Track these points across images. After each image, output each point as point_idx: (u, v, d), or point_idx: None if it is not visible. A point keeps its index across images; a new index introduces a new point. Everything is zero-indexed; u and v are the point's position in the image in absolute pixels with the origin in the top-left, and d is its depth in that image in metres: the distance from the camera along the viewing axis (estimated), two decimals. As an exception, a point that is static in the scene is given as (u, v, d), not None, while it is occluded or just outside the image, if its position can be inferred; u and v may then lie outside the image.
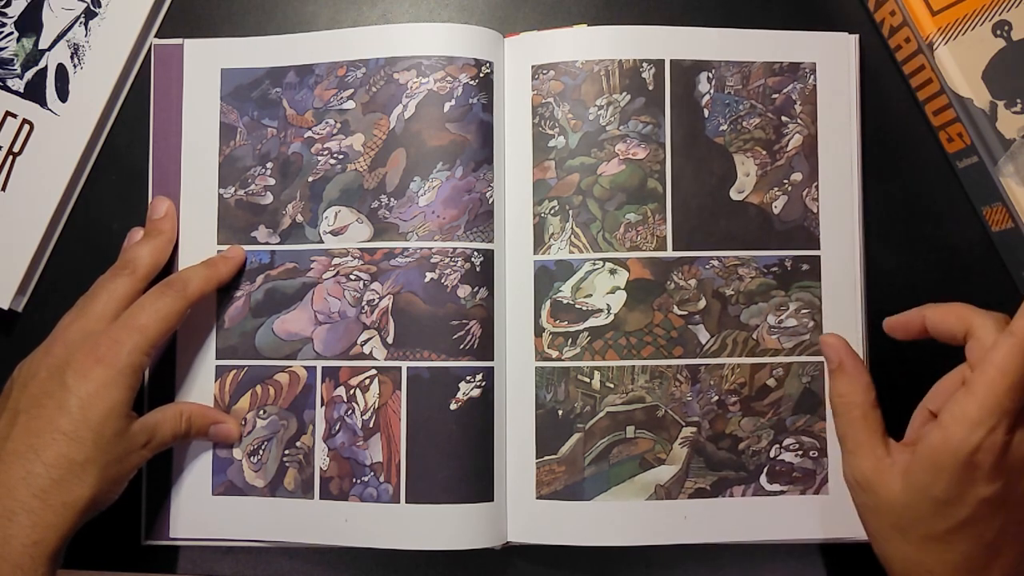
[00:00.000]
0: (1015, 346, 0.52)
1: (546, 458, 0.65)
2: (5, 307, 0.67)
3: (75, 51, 0.68)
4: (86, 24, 0.69)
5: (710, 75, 0.67)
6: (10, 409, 0.58)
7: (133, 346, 0.59)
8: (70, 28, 0.69)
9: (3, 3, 0.69)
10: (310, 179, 0.67)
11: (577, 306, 0.66)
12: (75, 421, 0.56)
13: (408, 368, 0.65)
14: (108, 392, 0.58)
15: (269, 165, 0.67)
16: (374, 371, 0.65)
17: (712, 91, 0.67)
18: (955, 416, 0.52)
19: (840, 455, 0.65)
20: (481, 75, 0.66)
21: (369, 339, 0.65)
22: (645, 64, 0.67)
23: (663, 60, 0.67)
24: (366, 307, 0.66)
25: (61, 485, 0.55)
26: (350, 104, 0.67)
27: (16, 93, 0.68)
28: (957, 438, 0.51)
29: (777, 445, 0.66)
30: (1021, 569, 0.54)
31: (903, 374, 0.68)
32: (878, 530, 0.56)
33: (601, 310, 0.66)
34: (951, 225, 0.68)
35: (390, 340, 0.65)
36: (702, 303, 0.66)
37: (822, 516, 0.66)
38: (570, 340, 0.66)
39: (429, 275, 0.65)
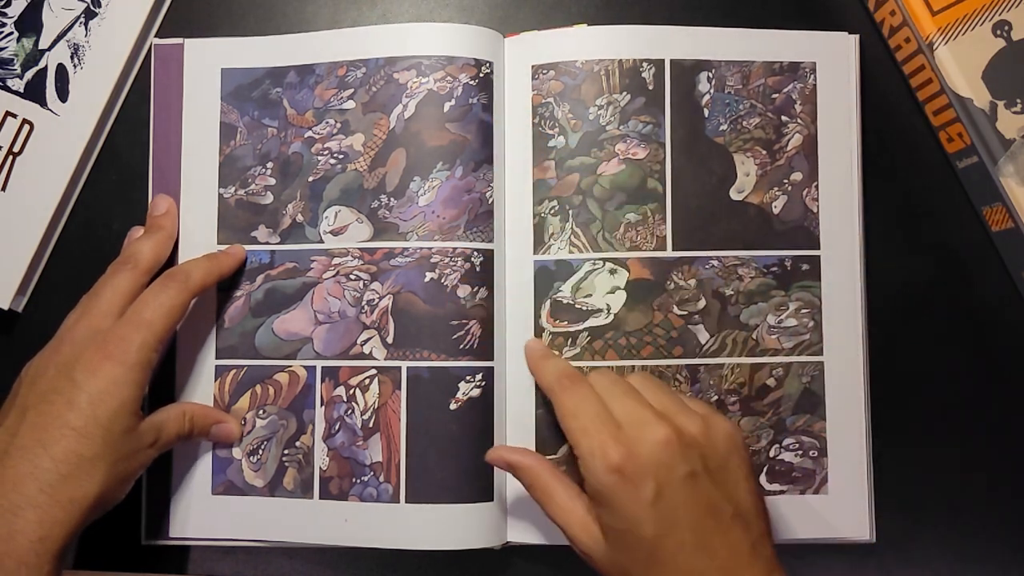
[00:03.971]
0: (561, 394, 0.60)
1: (546, 458, 0.65)
2: (5, 307, 0.67)
3: (75, 51, 0.68)
4: (86, 24, 0.69)
5: (710, 75, 0.67)
6: (18, 406, 0.58)
7: (141, 342, 0.59)
8: (70, 28, 0.69)
9: (3, 3, 0.69)
10: (310, 179, 0.67)
11: (577, 306, 0.66)
12: (84, 417, 0.56)
13: (408, 368, 0.65)
14: (118, 389, 0.57)
15: (269, 165, 0.67)
16: (374, 371, 0.65)
17: (712, 91, 0.67)
18: (581, 459, 0.57)
19: (840, 455, 0.65)
20: (481, 75, 0.66)
21: (369, 339, 0.65)
22: (645, 64, 0.67)
23: (663, 60, 0.67)
24: (366, 307, 0.66)
25: (69, 481, 0.55)
26: (350, 104, 0.67)
27: (16, 93, 0.68)
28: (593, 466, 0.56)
29: (777, 445, 0.66)
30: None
31: (903, 374, 0.68)
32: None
33: (601, 310, 0.66)
34: (951, 225, 0.68)
35: (390, 340, 0.65)
36: (702, 303, 0.66)
37: (822, 516, 0.66)
38: (570, 340, 0.66)
39: (429, 275, 0.65)
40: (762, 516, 0.57)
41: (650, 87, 0.66)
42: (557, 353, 0.65)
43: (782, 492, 0.66)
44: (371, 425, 0.65)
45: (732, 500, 0.56)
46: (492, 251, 0.66)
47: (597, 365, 0.65)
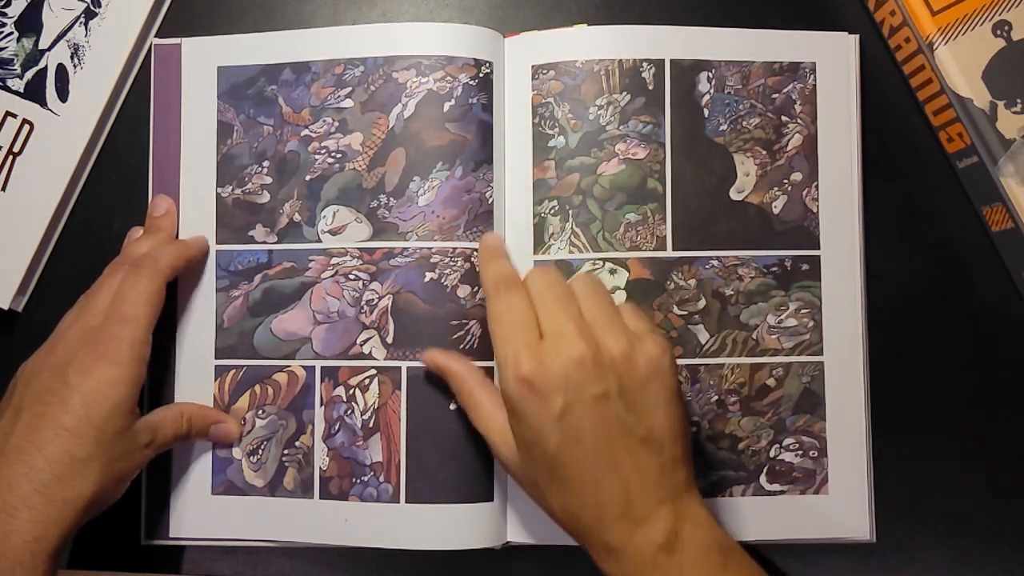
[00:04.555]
0: (493, 298, 0.60)
1: (476, 365, 0.65)
2: (5, 307, 0.67)
3: (75, 51, 0.68)
4: (86, 24, 0.69)
5: (710, 75, 0.67)
6: (13, 407, 0.58)
7: (131, 338, 0.59)
8: (70, 28, 0.69)
9: (3, 3, 0.69)
10: (308, 178, 0.67)
11: (577, 306, 0.66)
12: (78, 418, 0.56)
13: (408, 368, 0.65)
14: (113, 389, 0.58)
15: (266, 163, 0.67)
16: (374, 371, 0.65)
17: (712, 91, 0.67)
18: (497, 366, 0.58)
19: (840, 455, 0.65)
20: (481, 75, 0.66)
21: (369, 339, 0.65)
22: (645, 64, 0.67)
23: (663, 60, 0.67)
24: (365, 307, 0.66)
25: (63, 481, 0.55)
26: (348, 103, 0.67)
27: (16, 93, 0.68)
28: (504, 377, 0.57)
29: (777, 445, 0.66)
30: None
31: (903, 374, 0.68)
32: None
33: (601, 310, 0.66)
34: (951, 225, 0.68)
35: (390, 340, 0.65)
36: (702, 303, 0.66)
37: (822, 516, 0.66)
38: (570, 340, 0.66)
39: (429, 275, 0.65)
40: (678, 442, 0.56)
41: (650, 87, 0.66)
42: (508, 256, 0.63)
43: (782, 492, 0.66)
44: (371, 425, 0.65)
45: (644, 423, 0.55)
46: (492, 251, 0.66)
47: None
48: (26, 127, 0.68)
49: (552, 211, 0.66)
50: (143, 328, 0.60)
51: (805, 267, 0.66)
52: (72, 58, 0.68)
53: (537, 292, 0.59)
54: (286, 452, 0.66)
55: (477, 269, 0.65)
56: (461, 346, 0.64)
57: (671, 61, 0.67)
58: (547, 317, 0.57)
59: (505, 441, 0.58)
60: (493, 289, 0.60)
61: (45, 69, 0.68)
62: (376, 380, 0.65)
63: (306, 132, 0.67)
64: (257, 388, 0.67)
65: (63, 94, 0.68)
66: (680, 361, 0.66)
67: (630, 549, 0.54)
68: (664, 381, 0.56)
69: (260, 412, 0.67)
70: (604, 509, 0.55)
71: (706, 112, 0.67)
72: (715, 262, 0.66)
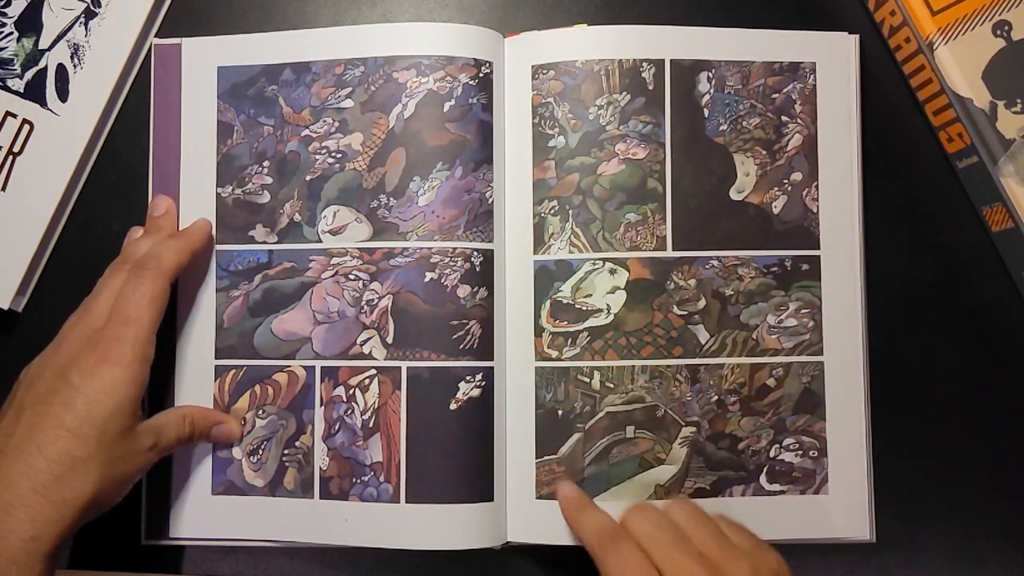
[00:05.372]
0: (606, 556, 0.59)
1: (546, 458, 0.65)
2: (5, 307, 0.67)
3: (75, 51, 0.68)
4: (86, 24, 0.69)
5: (710, 75, 0.67)
6: (15, 407, 0.58)
7: (134, 338, 0.59)
8: (70, 28, 0.69)
9: (3, 3, 0.69)
10: (308, 178, 0.67)
11: (577, 306, 0.66)
12: (80, 418, 0.56)
13: (408, 368, 0.65)
14: (116, 389, 0.57)
15: (266, 164, 0.67)
16: (374, 371, 0.65)
17: (712, 91, 0.67)
18: None
19: (840, 455, 0.65)
20: (481, 75, 0.66)
21: (369, 339, 0.65)
22: (645, 64, 0.67)
23: (663, 60, 0.67)
24: (365, 307, 0.66)
25: (62, 481, 0.55)
26: (348, 103, 0.67)
27: (16, 93, 0.68)
28: None
29: (777, 445, 0.66)
30: None
31: (903, 374, 0.68)
32: None
33: (601, 310, 0.66)
34: (951, 225, 0.68)
35: (390, 340, 0.65)
36: (702, 303, 0.66)
37: (822, 516, 0.66)
38: (570, 340, 0.66)
39: (429, 275, 0.65)
40: None
41: (650, 87, 0.66)
42: (594, 503, 0.64)
43: (782, 492, 0.66)
44: (371, 425, 0.65)
45: None
46: (492, 251, 0.66)
47: (597, 365, 0.65)
48: (26, 127, 0.68)
49: (552, 211, 0.66)
50: (146, 329, 0.60)
51: (805, 267, 0.66)
52: (72, 58, 0.68)
53: (646, 536, 0.59)
54: (286, 452, 0.66)
55: (479, 270, 0.65)
56: (461, 346, 0.64)
57: (671, 61, 0.67)
58: (666, 562, 0.57)
59: None
60: (599, 546, 0.59)
61: (45, 69, 0.68)
62: (376, 380, 0.65)
63: (306, 132, 0.67)
64: (257, 388, 0.67)
65: (63, 94, 0.68)
66: (680, 361, 0.66)
67: None
68: None
69: (260, 412, 0.67)
70: None
71: (706, 112, 0.67)
72: (715, 262, 0.66)
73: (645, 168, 0.66)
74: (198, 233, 0.66)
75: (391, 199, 0.66)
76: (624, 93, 0.66)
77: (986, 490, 0.67)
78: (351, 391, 0.66)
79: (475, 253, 0.65)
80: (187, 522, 0.67)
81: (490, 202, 0.66)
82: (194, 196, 0.68)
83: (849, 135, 0.67)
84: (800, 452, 0.66)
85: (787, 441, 0.66)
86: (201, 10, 0.71)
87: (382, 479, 0.65)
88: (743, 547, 0.58)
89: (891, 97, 0.69)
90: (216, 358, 0.67)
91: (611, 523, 0.61)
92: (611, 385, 0.65)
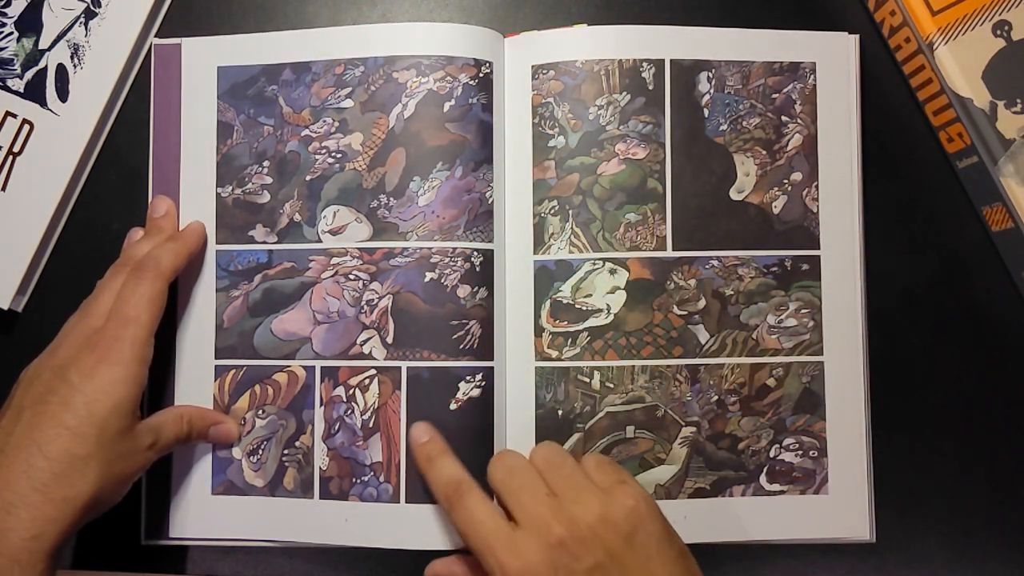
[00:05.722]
0: (453, 511, 0.60)
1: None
2: (5, 307, 0.67)
3: (75, 51, 0.68)
4: (86, 24, 0.69)
5: (710, 75, 0.67)
6: (15, 407, 0.58)
7: (132, 338, 0.59)
8: (70, 28, 0.69)
9: (3, 3, 0.69)
10: (308, 178, 0.67)
11: (577, 306, 0.66)
12: (80, 417, 0.56)
13: (408, 368, 0.65)
14: (115, 389, 0.58)
15: (266, 163, 0.67)
16: (374, 371, 0.65)
17: (712, 91, 0.67)
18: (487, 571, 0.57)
19: (840, 455, 0.65)
20: (481, 75, 0.66)
21: (368, 339, 0.65)
22: (645, 64, 0.67)
23: (663, 60, 0.67)
24: (365, 307, 0.66)
25: (62, 480, 0.55)
26: (348, 103, 0.67)
27: (16, 93, 0.68)
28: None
29: (777, 445, 0.66)
30: None
31: (903, 374, 0.68)
32: None
33: (601, 310, 0.66)
34: (951, 225, 0.68)
35: (390, 340, 0.65)
36: (702, 303, 0.66)
37: (822, 516, 0.66)
38: (570, 340, 0.66)
39: (429, 275, 0.65)
40: None
41: (650, 87, 0.66)
42: (447, 451, 0.63)
43: (782, 492, 0.66)
44: (371, 425, 0.65)
45: (649, 573, 0.56)
46: (492, 251, 0.66)
47: (597, 365, 0.65)
48: (26, 127, 0.68)
49: (552, 211, 0.66)
50: (145, 329, 0.60)
51: (805, 267, 0.66)
52: (72, 58, 0.68)
53: (499, 483, 0.60)
54: (286, 452, 0.66)
55: (479, 270, 0.65)
56: (461, 346, 0.64)
57: (671, 61, 0.67)
58: (516, 507, 0.58)
59: None
60: (447, 500, 0.60)
61: (45, 69, 0.68)
62: (376, 380, 0.65)
63: (306, 132, 0.67)
64: (257, 388, 0.67)
65: (63, 94, 0.68)
66: (680, 361, 0.66)
67: None
68: (648, 529, 0.57)
69: (260, 412, 0.67)
70: None
71: (706, 112, 0.67)
72: (715, 262, 0.66)
73: (645, 168, 0.66)
74: (193, 235, 0.66)
75: (391, 199, 0.66)
76: (624, 93, 0.66)
77: (986, 490, 0.67)
78: (351, 391, 0.66)
79: (475, 253, 0.65)
80: (187, 522, 0.67)
81: (490, 202, 0.66)
82: (194, 196, 0.68)
83: (849, 135, 0.67)
84: (800, 452, 0.66)
85: (787, 441, 0.66)
86: (201, 10, 0.71)
87: (382, 479, 0.65)
88: (602, 484, 0.59)
89: (891, 97, 0.69)
90: (216, 358, 0.67)
91: (458, 475, 0.61)
92: (611, 385, 0.65)
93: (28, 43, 0.69)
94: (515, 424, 0.65)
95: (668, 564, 0.56)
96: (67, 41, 0.69)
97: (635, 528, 0.57)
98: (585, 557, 0.55)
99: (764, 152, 0.67)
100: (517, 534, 0.57)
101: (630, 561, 0.56)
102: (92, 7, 0.69)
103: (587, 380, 0.65)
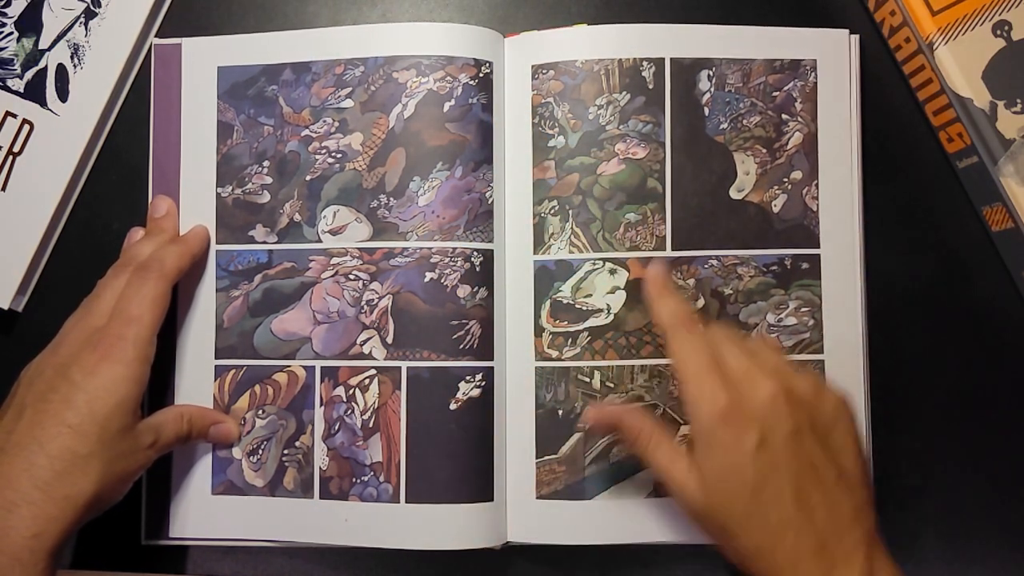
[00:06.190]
0: (675, 338, 0.59)
1: (546, 458, 0.65)
2: (5, 307, 0.67)
3: (75, 51, 0.68)
4: (86, 24, 0.69)
5: (710, 73, 0.67)
6: (16, 405, 0.58)
7: (135, 337, 0.59)
8: (70, 28, 0.69)
9: (3, 3, 0.69)
10: (308, 178, 0.67)
11: (577, 306, 0.66)
12: (81, 415, 0.56)
13: (408, 368, 0.65)
14: (116, 387, 0.58)
15: (266, 163, 0.67)
16: (374, 371, 0.65)
17: (712, 89, 0.67)
18: (688, 404, 0.57)
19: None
20: (481, 75, 0.66)
21: (368, 339, 0.65)
22: (645, 63, 0.67)
23: (663, 59, 0.67)
24: (365, 307, 0.66)
25: (64, 478, 0.55)
26: (348, 103, 0.67)
27: (16, 93, 0.68)
28: (699, 413, 0.56)
29: (777, 445, 0.66)
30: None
31: (903, 374, 0.68)
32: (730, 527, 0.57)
33: (601, 310, 0.66)
34: (951, 225, 0.68)
35: (390, 340, 0.65)
36: (700, 302, 0.66)
37: (822, 516, 0.66)
38: (570, 340, 0.66)
39: (429, 275, 0.65)
40: (866, 486, 0.57)
41: (650, 86, 0.66)
42: (674, 289, 0.64)
43: (782, 492, 0.66)
44: (371, 425, 0.65)
45: (836, 463, 0.56)
46: (492, 251, 0.66)
47: (597, 365, 0.65)
48: (26, 127, 0.68)
49: (552, 211, 0.66)
50: (147, 328, 0.60)
51: (805, 266, 0.66)
52: (72, 58, 0.68)
53: (719, 339, 0.59)
54: (286, 452, 0.66)
55: (479, 270, 0.65)
56: (461, 346, 0.64)
57: (671, 60, 0.67)
58: (734, 360, 0.57)
59: (690, 484, 0.57)
60: (672, 328, 0.59)
61: (45, 69, 0.68)
62: (376, 380, 0.65)
63: (306, 132, 0.67)
64: (257, 388, 0.67)
65: (63, 94, 0.68)
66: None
67: None
68: (849, 425, 0.57)
69: (260, 412, 0.67)
70: (801, 546, 0.54)
71: (706, 111, 0.67)
72: (714, 261, 0.66)
73: (645, 168, 0.66)
74: (197, 239, 0.66)
75: (391, 199, 0.66)
76: (624, 92, 0.66)
77: (986, 490, 0.67)
78: (351, 391, 0.66)
79: (475, 253, 0.65)
80: (187, 522, 0.67)
81: (490, 202, 0.66)
82: (194, 196, 0.68)
83: (849, 133, 0.67)
84: (800, 452, 0.66)
85: (787, 441, 0.66)
86: (201, 10, 0.71)
87: (382, 479, 0.65)
88: (810, 377, 0.59)
89: (891, 97, 0.69)
90: (216, 358, 0.67)
91: (691, 313, 0.61)
92: (611, 385, 0.65)
93: (28, 43, 0.69)
94: (515, 424, 0.65)
95: (859, 463, 0.57)
96: (67, 41, 0.69)
97: (840, 417, 0.57)
98: (792, 419, 0.55)
99: (764, 150, 0.67)
100: (732, 380, 0.57)
101: (826, 442, 0.56)
102: (92, 7, 0.69)
103: (587, 380, 0.65)
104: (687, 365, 0.57)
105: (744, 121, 0.67)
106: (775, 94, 0.67)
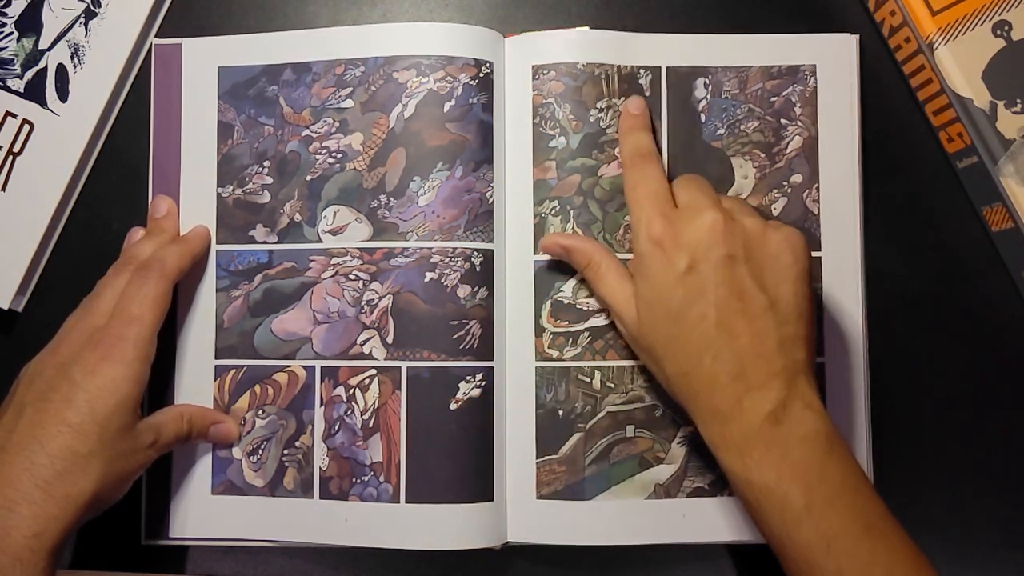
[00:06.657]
0: (631, 169, 0.63)
1: (546, 458, 0.65)
2: (5, 307, 0.67)
3: (75, 51, 0.68)
4: (86, 24, 0.69)
5: (707, 80, 0.67)
6: (16, 404, 0.58)
7: (136, 337, 0.59)
8: (70, 28, 0.69)
9: (3, 3, 0.69)
10: (308, 178, 0.67)
11: (577, 306, 0.66)
12: (82, 414, 0.56)
13: (408, 368, 0.65)
14: (117, 386, 0.58)
15: (266, 164, 0.67)
16: (374, 371, 0.65)
17: (709, 96, 0.67)
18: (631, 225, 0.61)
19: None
20: (481, 75, 0.66)
21: (369, 339, 0.65)
22: (642, 71, 0.67)
23: (659, 67, 0.67)
24: (365, 307, 0.66)
25: (64, 477, 0.55)
26: (348, 103, 0.67)
27: (16, 93, 0.68)
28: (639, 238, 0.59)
29: (777, 445, 0.66)
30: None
31: (903, 374, 0.68)
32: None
33: (602, 310, 0.66)
34: (951, 225, 0.68)
35: (390, 340, 0.65)
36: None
37: (822, 516, 0.65)
38: (570, 340, 0.66)
39: (429, 275, 0.65)
40: (802, 320, 0.57)
41: (647, 93, 0.67)
42: (645, 128, 0.65)
43: (782, 492, 0.66)
44: (371, 425, 0.65)
45: (769, 293, 0.56)
46: (492, 251, 0.66)
47: (597, 365, 0.65)
48: (26, 127, 0.68)
49: (553, 211, 0.66)
50: (148, 328, 0.60)
51: (805, 267, 0.66)
52: (72, 58, 0.68)
53: (686, 179, 0.61)
54: (286, 452, 0.66)
55: (479, 270, 0.65)
56: (461, 346, 0.64)
57: (667, 68, 0.67)
58: (685, 192, 0.60)
59: (628, 309, 0.60)
60: (630, 160, 0.63)
61: (45, 69, 0.68)
62: (376, 380, 0.65)
63: (307, 132, 0.67)
64: (257, 388, 0.67)
65: (63, 94, 0.68)
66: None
67: (737, 413, 0.55)
68: (796, 258, 0.57)
69: (260, 412, 0.67)
70: (718, 369, 0.55)
71: (703, 117, 0.67)
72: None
73: (645, 169, 0.66)
74: (198, 239, 0.66)
75: (391, 199, 0.66)
76: (623, 98, 0.66)
77: (986, 490, 0.67)
78: (351, 391, 0.66)
79: (475, 253, 0.65)
80: (187, 522, 0.67)
81: (490, 202, 0.66)
82: (194, 196, 0.68)
83: (850, 136, 0.67)
84: (800, 452, 0.66)
85: (787, 441, 0.66)
86: (201, 10, 0.71)
87: (382, 479, 0.64)
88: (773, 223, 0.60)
89: (891, 97, 0.69)
90: (216, 358, 0.67)
91: (651, 147, 0.64)
92: (611, 385, 0.65)
93: (28, 43, 0.69)
94: (515, 424, 0.65)
95: (798, 296, 0.57)
96: (67, 41, 0.69)
97: (784, 251, 0.57)
98: (725, 246, 0.56)
99: (763, 155, 0.67)
100: (676, 210, 0.59)
101: (766, 273, 0.57)
102: (92, 7, 0.69)
103: (588, 380, 0.65)
104: (635, 192, 0.61)
105: (741, 126, 0.67)
106: (773, 99, 0.67)
